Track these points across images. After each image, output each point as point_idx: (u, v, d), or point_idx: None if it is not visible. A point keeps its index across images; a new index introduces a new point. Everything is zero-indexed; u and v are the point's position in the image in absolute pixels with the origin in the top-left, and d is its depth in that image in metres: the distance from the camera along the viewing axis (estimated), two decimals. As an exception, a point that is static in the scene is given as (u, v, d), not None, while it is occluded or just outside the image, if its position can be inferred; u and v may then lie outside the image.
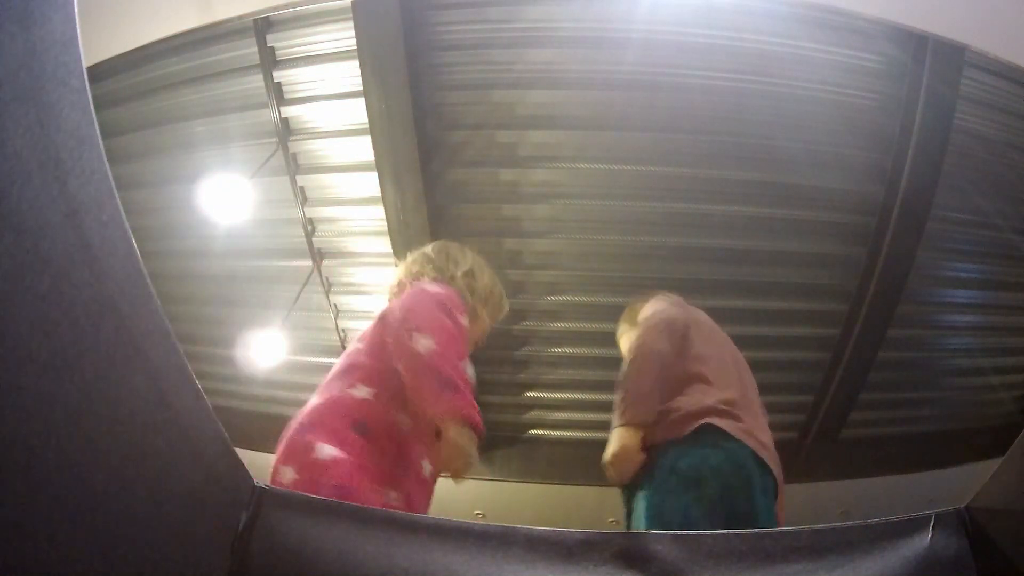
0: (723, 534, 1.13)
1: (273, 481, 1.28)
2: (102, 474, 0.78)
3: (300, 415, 1.41)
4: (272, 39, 2.97)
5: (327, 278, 3.76)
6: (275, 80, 3.06)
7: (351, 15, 2.77)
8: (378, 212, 3.33)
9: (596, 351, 3.65)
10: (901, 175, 3.07)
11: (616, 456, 1.53)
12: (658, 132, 3.07)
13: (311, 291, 3.70)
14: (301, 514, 1.09)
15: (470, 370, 1.48)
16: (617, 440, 1.54)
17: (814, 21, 2.70)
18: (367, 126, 3.04)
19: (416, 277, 1.66)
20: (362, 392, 1.38)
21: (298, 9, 2.76)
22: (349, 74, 2.97)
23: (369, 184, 3.29)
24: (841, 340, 3.68)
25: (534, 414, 4.14)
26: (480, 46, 2.87)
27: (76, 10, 0.73)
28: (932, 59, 2.75)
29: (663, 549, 1.09)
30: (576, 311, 3.64)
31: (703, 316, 1.88)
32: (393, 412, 1.37)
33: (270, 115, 3.15)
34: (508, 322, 3.13)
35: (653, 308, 1.82)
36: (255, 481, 1.09)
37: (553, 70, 2.91)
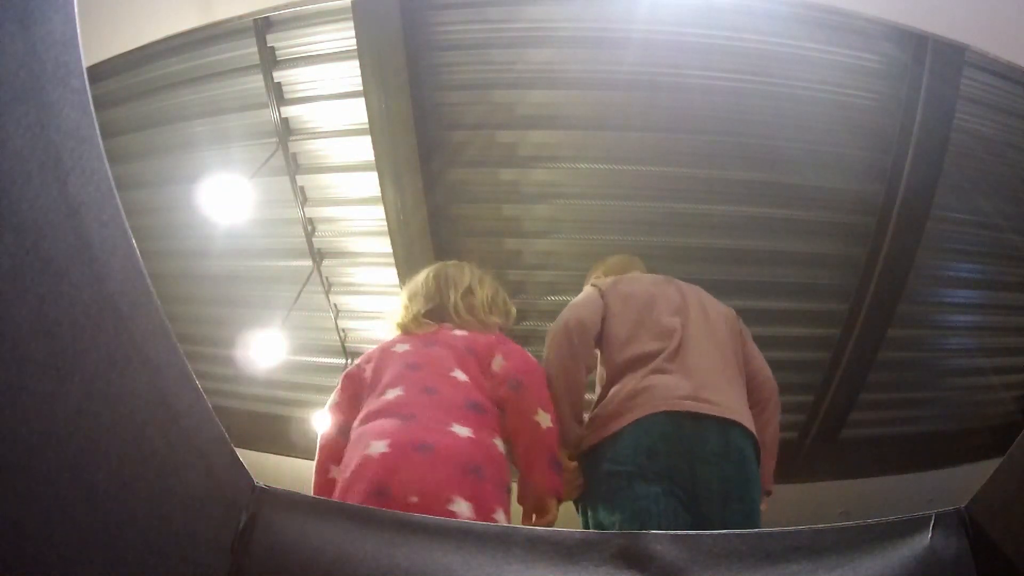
0: (723, 534, 1.13)
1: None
2: (102, 474, 0.78)
3: (455, 440, 1.38)
4: (272, 39, 2.97)
5: (327, 278, 3.76)
6: (275, 80, 3.06)
7: (351, 15, 2.77)
8: (378, 212, 3.33)
9: (596, 351, 3.65)
10: (901, 175, 3.07)
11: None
12: (658, 132, 3.07)
13: (311, 291, 3.70)
14: (301, 514, 1.09)
15: None
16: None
17: (814, 21, 2.70)
18: (367, 126, 3.04)
19: (415, 319, 1.73)
20: (501, 446, 1.46)
21: (298, 9, 2.75)
22: (349, 74, 2.97)
23: (369, 184, 3.29)
24: (841, 340, 3.68)
25: (534, 414, 4.12)
26: (480, 46, 2.87)
27: (76, 10, 0.73)
28: (932, 59, 2.75)
29: (663, 549, 1.09)
30: (576, 311, 3.64)
31: (621, 286, 1.80)
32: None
33: (270, 115, 3.15)
34: (508, 322, 3.12)
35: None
36: (255, 481, 1.09)
37: (553, 70, 2.91)
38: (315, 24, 2.89)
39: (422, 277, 1.87)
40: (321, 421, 1.62)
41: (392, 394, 1.48)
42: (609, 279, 1.89)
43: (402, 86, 2.89)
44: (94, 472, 0.77)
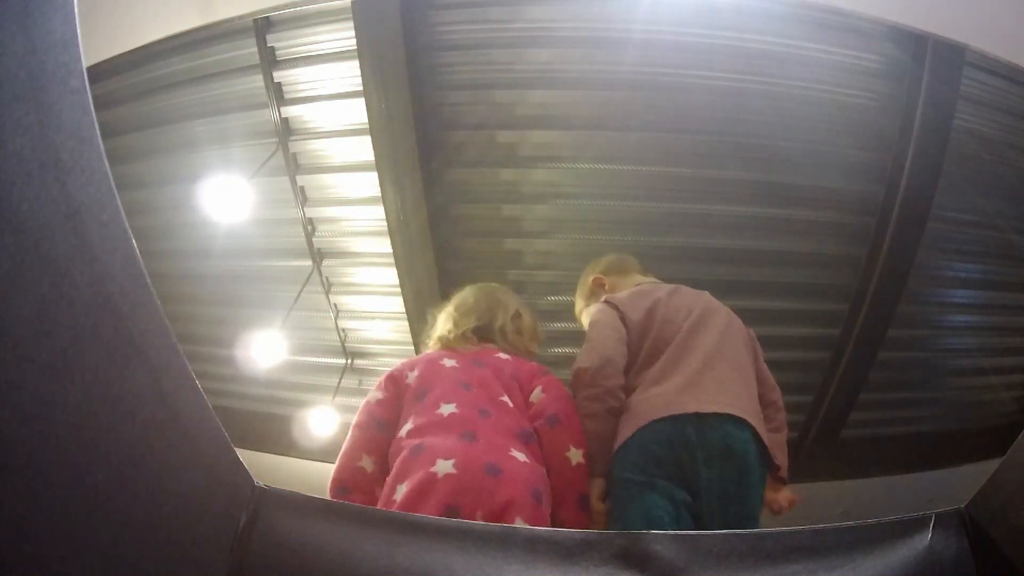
0: (723, 534, 1.13)
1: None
2: (102, 474, 0.78)
3: (519, 465, 1.38)
4: (272, 39, 2.97)
5: (327, 278, 3.76)
6: (275, 80, 3.06)
7: (351, 15, 2.77)
8: (378, 212, 3.32)
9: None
10: (901, 175, 3.07)
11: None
12: (658, 132, 3.06)
13: (311, 291, 3.70)
14: (301, 514, 1.09)
15: None
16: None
17: (814, 21, 2.70)
18: (367, 126, 3.04)
19: (463, 335, 1.76)
20: (544, 474, 1.46)
21: (298, 9, 2.75)
22: (349, 74, 2.97)
23: (369, 184, 3.29)
24: (841, 340, 3.68)
25: (534, 414, 4.13)
26: (480, 46, 2.87)
27: (76, 10, 0.73)
28: (932, 59, 2.75)
29: (663, 549, 1.09)
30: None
31: (637, 300, 1.77)
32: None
33: (270, 115, 3.15)
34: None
35: (588, 329, 1.76)
36: (255, 481, 1.09)
37: (553, 70, 2.91)
38: (315, 24, 2.89)
39: (471, 295, 1.90)
40: (361, 412, 1.60)
41: (447, 410, 1.48)
42: (623, 294, 1.84)
43: (402, 86, 2.89)
44: (94, 472, 0.77)
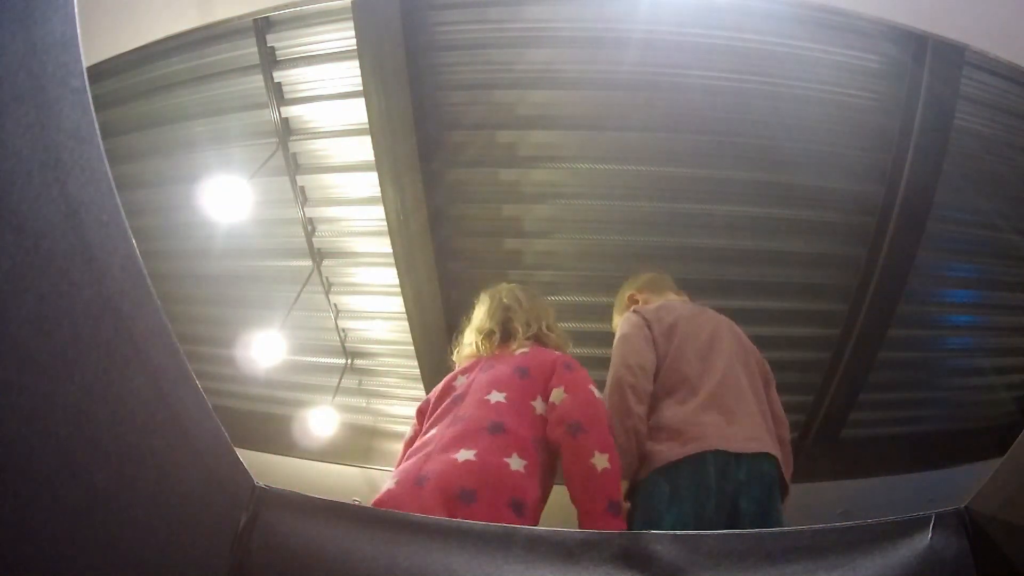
0: (723, 534, 1.13)
1: None
2: (102, 474, 0.78)
3: (447, 466, 1.38)
4: (272, 39, 2.97)
5: (327, 278, 3.76)
6: (275, 80, 3.06)
7: (351, 15, 2.77)
8: (378, 212, 3.33)
9: (596, 351, 3.65)
10: (901, 175, 3.07)
11: None
12: (658, 132, 3.07)
13: (311, 291, 3.70)
14: (301, 514, 1.09)
15: None
16: None
17: (814, 21, 2.70)
18: (367, 126, 3.04)
19: (511, 333, 1.78)
20: (516, 464, 1.42)
21: (298, 9, 2.75)
22: (349, 74, 2.97)
23: (369, 184, 3.29)
24: (841, 340, 3.68)
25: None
26: (480, 46, 2.87)
27: (76, 10, 0.73)
28: (932, 59, 2.75)
29: (663, 549, 1.09)
30: (576, 311, 3.64)
31: (664, 314, 1.88)
32: (540, 488, 1.47)
33: (270, 115, 3.15)
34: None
35: (616, 339, 1.83)
36: (255, 481, 1.09)
37: (553, 70, 2.91)
38: (315, 24, 2.89)
39: (515, 297, 1.91)
40: (403, 447, 1.68)
41: (428, 435, 1.54)
42: (651, 305, 1.96)
43: (402, 86, 2.89)
44: (94, 472, 0.77)
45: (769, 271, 3.50)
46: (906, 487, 3.98)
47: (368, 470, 4.11)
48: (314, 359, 4.13)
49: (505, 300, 1.89)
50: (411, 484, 1.35)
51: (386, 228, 3.35)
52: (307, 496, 1.13)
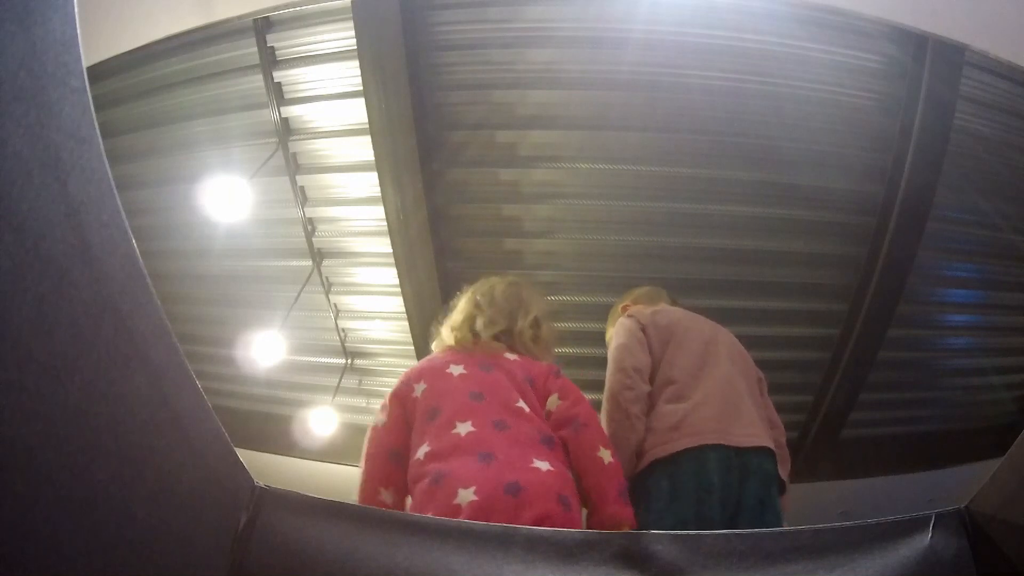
0: (723, 534, 1.13)
1: None
2: (102, 474, 0.78)
3: (537, 475, 1.36)
4: (272, 39, 2.97)
5: (327, 278, 3.76)
6: (275, 80, 3.06)
7: (351, 15, 2.77)
8: (378, 212, 3.33)
9: (596, 351, 3.65)
10: (901, 175, 3.07)
11: None
12: (658, 132, 3.07)
13: (311, 291, 3.70)
14: (301, 514, 1.09)
15: None
16: None
17: (814, 21, 2.70)
18: (367, 126, 3.04)
19: (475, 340, 1.73)
20: (570, 474, 1.45)
21: (298, 9, 2.75)
22: (349, 74, 2.97)
23: (369, 184, 3.29)
24: (841, 340, 3.68)
25: (534, 414, 4.13)
26: (480, 46, 2.87)
27: (76, 10, 0.73)
28: (932, 59, 2.75)
29: (663, 549, 1.09)
30: (576, 311, 3.64)
31: (658, 317, 1.90)
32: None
33: (270, 115, 3.15)
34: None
35: (611, 346, 1.85)
36: (255, 481, 1.09)
37: (553, 70, 2.91)
38: (315, 24, 2.89)
39: (498, 292, 1.86)
40: (370, 442, 1.55)
41: (463, 429, 1.44)
42: (646, 310, 1.97)
43: (402, 86, 2.89)
44: (94, 472, 0.77)
45: (769, 271, 3.50)
46: (906, 487, 3.98)
47: (368, 470, 4.11)
48: (314, 359, 4.13)
49: (479, 297, 1.85)
50: (501, 492, 1.30)
51: (386, 228, 3.35)
52: (307, 496, 1.13)
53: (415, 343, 3.71)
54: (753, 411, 1.71)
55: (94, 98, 0.76)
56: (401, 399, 1.57)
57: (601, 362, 1.90)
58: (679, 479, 1.54)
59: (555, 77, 2.93)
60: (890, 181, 3.14)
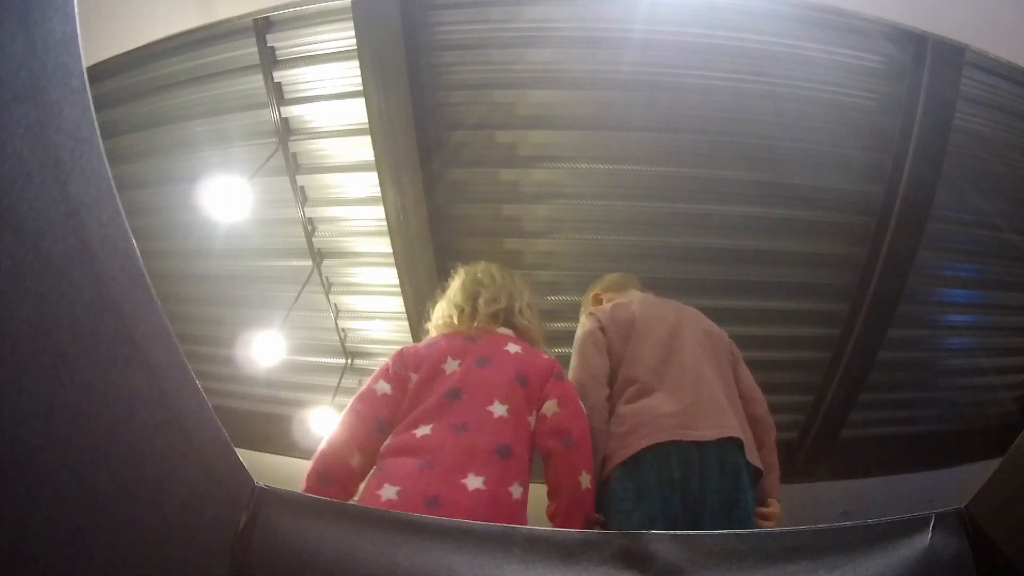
0: (723, 534, 1.13)
1: None
2: (102, 474, 0.78)
3: (460, 495, 1.36)
4: (272, 39, 2.97)
5: (327, 278, 3.76)
6: (275, 80, 3.06)
7: (351, 15, 2.77)
8: (378, 212, 3.33)
9: (596, 351, 3.65)
10: (901, 175, 3.07)
11: None
12: (658, 132, 3.07)
13: (311, 291, 3.70)
14: (301, 514, 1.09)
15: None
16: None
17: (814, 21, 2.70)
18: (367, 126, 3.04)
19: (489, 315, 1.73)
20: (517, 493, 1.43)
21: (298, 9, 2.75)
22: (349, 74, 2.97)
23: (369, 184, 3.29)
24: (841, 340, 3.68)
25: (534, 414, 4.13)
26: (480, 46, 2.87)
27: (76, 10, 0.73)
28: (932, 59, 2.75)
29: (663, 549, 1.09)
30: (576, 311, 3.64)
31: (618, 312, 1.87)
32: (526, 512, 1.46)
33: (270, 115, 3.15)
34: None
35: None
36: (255, 481, 1.09)
37: (553, 70, 2.91)
38: (315, 24, 2.89)
39: (495, 272, 1.88)
40: (366, 399, 1.57)
41: (421, 432, 1.47)
42: (607, 306, 1.94)
43: (402, 86, 2.89)
44: (94, 472, 0.77)
45: (769, 271, 3.50)
46: (906, 487, 3.98)
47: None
48: (314, 359, 4.13)
49: (479, 275, 1.87)
50: (420, 504, 1.31)
51: (386, 228, 3.35)
52: (307, 496, 1.13)
53: (415, 343, 3.70)
54: (721, 398, 1.65)
55: (94, 98, 0.76)
56: (401, 381, 1.60)
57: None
58: (641, 479, 1.51)
59: (555, 77, 2.93)
60: (890, 181, 3.14)
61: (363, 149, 3.17)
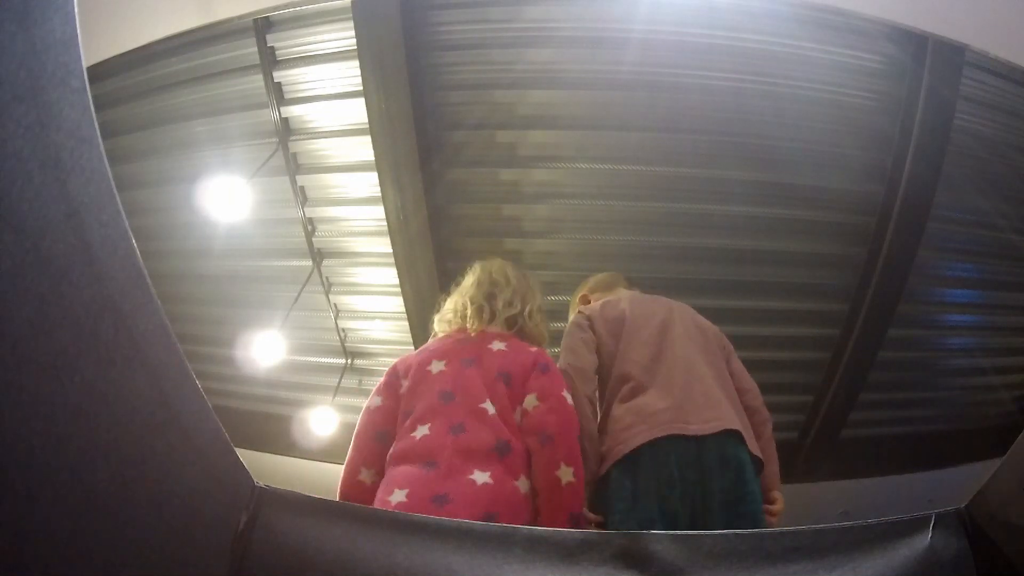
0: (723, 534, 1.13)
1: None
2: (102, 474, 0.78)
3: (468, 488, 1.36)
4: (272, 39, 2.97)
5: (327, 278, 3.76)
6: (275, 80, 3.06)
7: (351, 15, 2.77)
8: (378, 212, 3.33)
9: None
10: (901, 175, 3.07)
11: None
12: (658, 132, 3.07)
13: (311, 291, 3.70)
14: (301, 514, 1.09)
15: None
16: None
17: (814, 21, 2.70)
18: (367, 126, 3.04)
19: (471, 327, 1.73)
20: (524, 487, 1.44)
21: (298, 9, 2.75)
22: (349, 74, 2.97)
23: (369, 184, 3.29)
24: (841, 340, 3.68)
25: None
26: (480, 46, 2.87)
27: (76, 10, 0.73)
28: (932, 59, 2.75)
29: (663, 549, 1.09)
30: (576, 311, 3.64)
31: (607, 310, 1.86)
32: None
33: (270, 115, 3.15)
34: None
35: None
36: (255, 481, 1.09)
37: (553, 70, 2.91)
38: (315, 24, 2.89)
39: (508, 272, 1.88)
40: (363, 417, 1.61)
41: (420, 433, 1.48)
42: (596, 304, 1.94)
43: (402, 86, 2.89)
44: (94, 472, 0.77)
45: (769, 271, 3.50)
46: (906, 487, 3.98)
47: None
48: (314, 359, 4.13)
49: (495, 275, 1.87)
50: (428, 502, 1.32)
51: (386, 228, 3.35)
52: (307, 496, 1.13)
53: (415, 343, 3.71)
54: (716, 391, 1.64)
55: (94, 98, 0.76)
56: (392, 390, 1.62)
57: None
58: (639, 477, 1.50)
59: (555, 77, 2.93)
60: (890, 181, 3.14)
61: (363, 149, 3.17)
